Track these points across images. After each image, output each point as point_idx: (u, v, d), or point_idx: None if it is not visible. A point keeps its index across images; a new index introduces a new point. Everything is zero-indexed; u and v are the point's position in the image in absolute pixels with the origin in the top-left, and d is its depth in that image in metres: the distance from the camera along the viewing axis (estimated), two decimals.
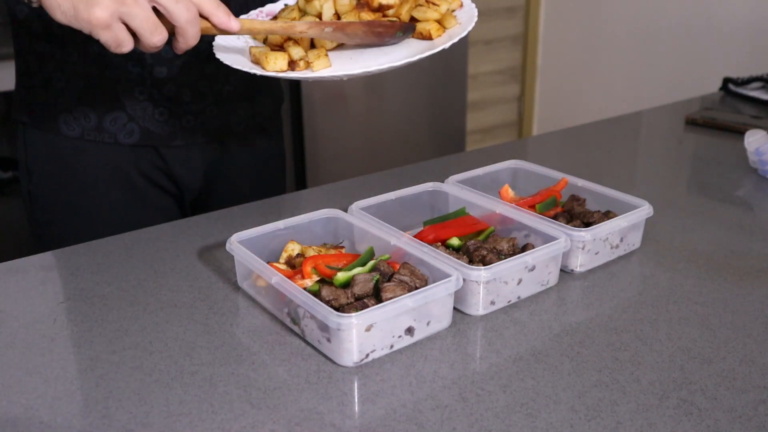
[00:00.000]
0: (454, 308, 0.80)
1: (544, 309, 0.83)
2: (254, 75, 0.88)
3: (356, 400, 0.68)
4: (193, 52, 1.12)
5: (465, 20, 0.95)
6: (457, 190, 1.00)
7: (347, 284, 0.78)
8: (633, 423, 0.64)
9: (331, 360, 0.73)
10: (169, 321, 0.80)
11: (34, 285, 0.89)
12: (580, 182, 1.02)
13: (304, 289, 0.76)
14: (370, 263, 0.81)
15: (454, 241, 0.89)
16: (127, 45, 0.80)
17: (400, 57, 0.89)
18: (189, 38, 0.83)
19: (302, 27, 0.88)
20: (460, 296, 0.80)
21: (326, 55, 0.88)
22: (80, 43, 1.09)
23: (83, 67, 1.10)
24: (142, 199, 1.18)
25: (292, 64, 0.88)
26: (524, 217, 0.91)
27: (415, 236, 0.88)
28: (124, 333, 0.78)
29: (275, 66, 0.88)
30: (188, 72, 1.14)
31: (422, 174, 1.18)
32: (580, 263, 0.90)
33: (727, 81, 1.78)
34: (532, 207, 0.97)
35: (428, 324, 0.77)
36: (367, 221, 0.91)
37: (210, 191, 1.25)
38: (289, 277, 0.78)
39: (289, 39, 0.90)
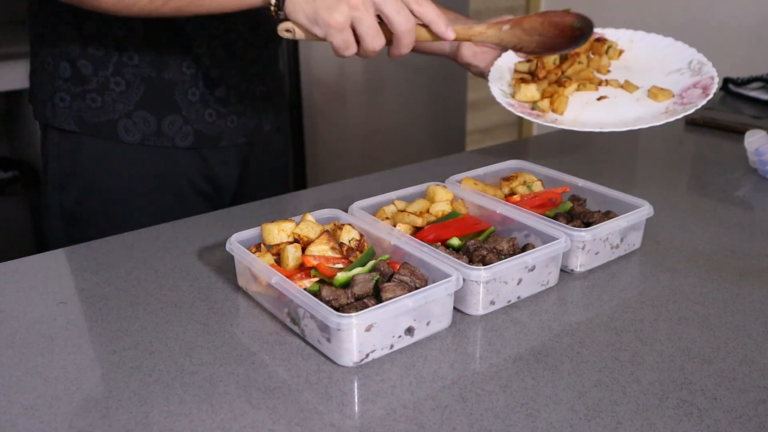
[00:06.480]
0: (454, 308, 0.80)
1: (544, 309, 0.83)
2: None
3: (356, 400, 0.68)
4: (242, 53, 1.13)
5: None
6: (457, 190, 1.00)
7: (347, 284, 0.78)
8: (633, 423, 0.64)
9: (331, 360, 0.73)
10: (169, 321, 0.80)
11: (34, 285, 0.89)
12: (580, 182, 1.02)
13: (304, 289, 0.77)
14: (370, 263, 0.81)
15: (454, 241, 0.89)
16: (352, 48, 0.89)
17: (656, 117, 1.06)
18: (403, 47, 0.90)
19: (480, 28, 1.01)
20: (460, 296, 0.80)
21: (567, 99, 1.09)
22: (138, 45, 1.07)
23: (143, 69, 1.09)
24: (185, 207, 1.17)
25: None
26: (524, 217, 0.91)
27: (415, 236, 0.88)
28: (124, 333, 0.78)
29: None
30: (238, 74, 1.14)
31: (422, 174, 1.18)
32: (580, 263, 0.90)
33: (727, 81, 1.78)
34: (532, 207, 0.97)
35: (428, 324, 0.77)
36: (367, 221, 0.91)
37: (240, 192, 1.26)
38: (289, 277, 0.78)
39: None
